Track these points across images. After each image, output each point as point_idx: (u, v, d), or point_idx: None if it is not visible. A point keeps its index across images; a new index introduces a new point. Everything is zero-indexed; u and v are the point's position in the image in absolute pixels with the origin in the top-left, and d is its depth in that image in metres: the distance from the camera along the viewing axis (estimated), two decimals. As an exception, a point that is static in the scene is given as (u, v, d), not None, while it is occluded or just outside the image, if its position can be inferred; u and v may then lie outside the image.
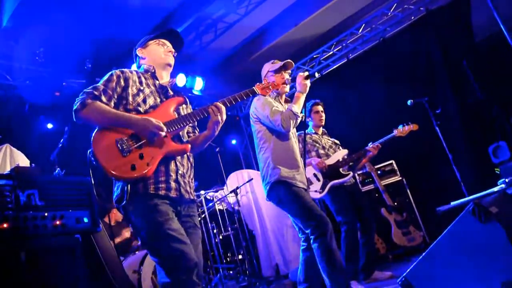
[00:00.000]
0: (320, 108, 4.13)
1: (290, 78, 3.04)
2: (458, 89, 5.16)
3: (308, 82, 2.86)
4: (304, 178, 2.98)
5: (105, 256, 2.47)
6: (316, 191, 3.76)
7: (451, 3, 5.31)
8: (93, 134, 1.86)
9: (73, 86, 5.48)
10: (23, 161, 3.89)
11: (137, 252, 4.19)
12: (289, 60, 3.08)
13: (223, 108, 2.05)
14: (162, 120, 1.93)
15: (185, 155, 2.08)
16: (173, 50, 2.24)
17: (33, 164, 2.89)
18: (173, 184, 1.95)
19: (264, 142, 3.00)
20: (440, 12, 5.41)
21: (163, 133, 1.89)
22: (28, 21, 4.60)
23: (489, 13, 4.75)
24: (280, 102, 3.12)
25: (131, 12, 4.85)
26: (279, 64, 3.10)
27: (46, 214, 2.17)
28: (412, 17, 5.75)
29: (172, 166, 1.98)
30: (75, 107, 1.90)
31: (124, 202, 1.83)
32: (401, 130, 4.01)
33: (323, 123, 4.13)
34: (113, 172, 1.77)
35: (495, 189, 1.88)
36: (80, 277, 2.23)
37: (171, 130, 1.97)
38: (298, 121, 2.87)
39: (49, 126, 5.49)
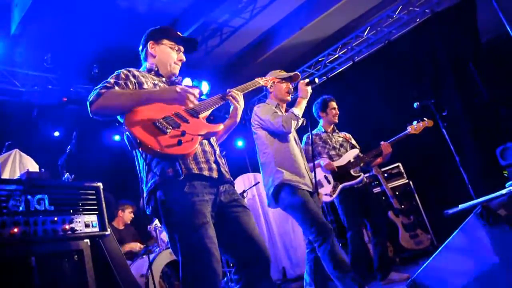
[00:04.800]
0: (335, 104, 4.10)
1: (293, 88, 3.15)
2: (464, 90, 5.12)
3: (309, 88, 2.94)
4: (309, 181, 3.00)
5: (114, 260, 2.49)
6: (326, 194, 3.74)
7: (456, 4, 5.28)
8: (125, 119, 1.76)
9: (80, 91, 5.54)
10: (32, 166, 3.92)
11: (144, 256, 4.21)
12: (297, 73, 3.13)
13: (239, 95, 2.13)
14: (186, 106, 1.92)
15: (214, 139, 2.08)
16: (184, 59, 2.18)
17: (43, 169, 2.92)
18: (213, 165, 1.93)
19: (266, 148, 3.04)
20: (446, 14, 5.38)
21: (194, 93, 1.87)
22: (35, 28, 4.67)
23: (495, 14, 4.74)
24: (281, 111, 3.15)
25: (137, 18, 4.90)
26: (286, 74, 3.15)
27: (55, 218, 2.20)
28: (418, 20, 5.73)
29: (209, 147, 1.98)
30: (90, 100, 1.81)
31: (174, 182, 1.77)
32: (415, 127, 3.88)
33: (337, 120, 4.09)
34: (163, 150, 1.67)
35: (503, 191, 1.87)
36: (88, 281, 2.25)
37: (200, 111, 1.95)
38: (299, 123, 2.94)
39: (56, 134, 5.55)
